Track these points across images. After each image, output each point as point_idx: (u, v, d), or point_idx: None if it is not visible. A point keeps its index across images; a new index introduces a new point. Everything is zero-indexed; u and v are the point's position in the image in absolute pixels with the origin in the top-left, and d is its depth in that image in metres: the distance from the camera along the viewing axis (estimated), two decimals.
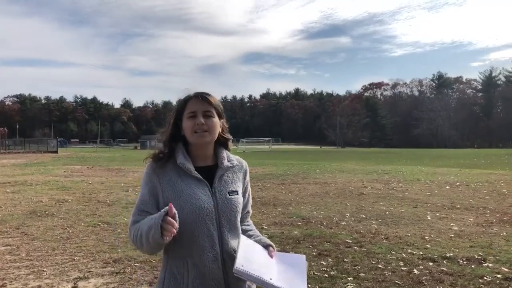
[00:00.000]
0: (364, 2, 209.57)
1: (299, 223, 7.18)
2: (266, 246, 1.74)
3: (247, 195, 1.87)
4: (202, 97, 1.70)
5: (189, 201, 1.62)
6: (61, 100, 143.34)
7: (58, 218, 7.78)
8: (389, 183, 13.25)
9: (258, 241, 1.77)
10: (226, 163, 1.76)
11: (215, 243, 1.63)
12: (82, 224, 7.25)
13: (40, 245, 5.82)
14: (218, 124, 1.74)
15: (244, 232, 1.81)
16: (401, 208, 8.66)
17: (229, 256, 1.63)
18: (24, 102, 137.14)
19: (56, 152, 44.81)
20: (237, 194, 1.74)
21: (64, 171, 18.79)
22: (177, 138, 1.74)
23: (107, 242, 5.98)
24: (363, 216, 7.86)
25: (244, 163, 1.87)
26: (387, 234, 6.37)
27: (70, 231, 6.70)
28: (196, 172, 1.68)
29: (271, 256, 1.69)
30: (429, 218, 7.58)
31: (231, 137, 1.85)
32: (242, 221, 1.86)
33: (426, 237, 6.12)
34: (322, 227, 6.90)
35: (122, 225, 7.08)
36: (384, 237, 6.16)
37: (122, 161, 28.86)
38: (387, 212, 8.20)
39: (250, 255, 1.60)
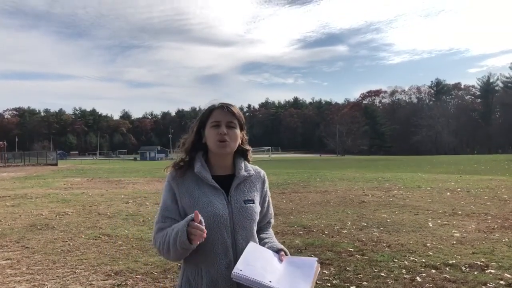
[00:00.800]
0: (360, 10, 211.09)
1: (301, 232, 7.15)
2: (277, 251, 1.75)
3: (266, 204, 1.91)
4: (227, 108, 1.76)
5: (205, 209, 1.67)
6: (60, 112, 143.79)
7: (59, 231, 7.75)
8: (389, 191, 13.23)
9: (270, 247, 1.78)
10: (243, 172, 1.80)
11: (229, 250, 1.67)
12: (83, 236, 7.22)
13: (40, 259, 5.79)
14: (239, 135, 1.80)
15: (260, 240, 1.84)
16: (402, 216, 8.64)
17: None
18: (23, 115, 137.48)
19: (55, 164, 44.75)
20: (253, 203, 1.77)
21: (64, 184, 18.76)
22: (198, 146, 1.80)
23: (108, 255, 5.95)
24: (365, 224, 7.84)
25: (262, 172, 1.92)
26: (389, 242, 6.34)
27: (71, 244, 6.67)
28: (212, 181, 1.73)
29: (281, 260, 1.68)
30: (431, 225, 7.56)
31: (250, 147, 1.90)
32: (262, 231, 1.91)
33: (428, 244, 6.10)
34: (324, 236, 6.88)
35: (122, 237, 7.06)
36: (386, 245, 6.14)
37: (122, 172, 28.81)
38: (388, 220, 8.18)
39: (253, 260, 1.60)
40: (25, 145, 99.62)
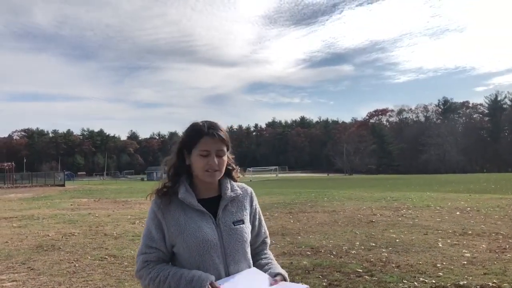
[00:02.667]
0: (365, 30, 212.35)
1: (308, 253, 7.06)
2: (275, 275, 1.68)
3: (256, 223, 1.83)
4: (216, 135, 1.67)
5: (193, 235, 1.62)
6: (68, 133, 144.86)
7: (65, 252, 7.72)
8: (398, 210, 13.09)
9: (269, 273, 1.71)
10: (229, 193, 1.74)
11: (221, 275, 1.62)
12: (89, 257, 7.18)
13: (46, 280, 5.75)
14: (226, 160, 1.73)
15: (260, 267, 1.76)
16: (412, 236, 8.51)
17: None
18: (32, 136, 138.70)
19: (63, 185, 44.94)
20: (243, 223, 1.72)
21: (71, 204, 18.77)
22: (181, 169, 1.73)
23: (114, 276, 5.90)
24: (373, 244, 7.73)
25: (249, 189, 1.85)
26: (398, 262, 6.24)
27: (77, 265, 6.63)
28: (198, 205, 1.67)
29: (271, 285, 1.61)
30: (441, 245, 7.44)
31: (236, 167, 1.83)
32: (259, 255, 1.84)
33: (438, 265, 5.99)
34: (332, 256, 6.78)
35: (129, 258, 7.00)
36: (395, 266, 6.04)
37: (129, 193, 28.83)
38: (397, 240, 8.06)
39: (239, 279, 1.58)
40: (34, 166, 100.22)
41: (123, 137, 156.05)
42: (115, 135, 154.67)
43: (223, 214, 1.70)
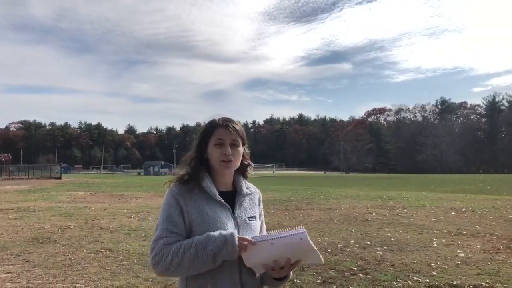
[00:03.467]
0: (364, 29, 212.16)
1: None
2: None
3: (261, 221, 1.92)
4: (230, 126, 1.74)
5: (214, 225, 1.66)
6: (66, 126, 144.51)
7: (60, 244, 7.72)
8: (394, 209, 13.13)
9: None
10: (245, 190, 1.83)
11: (235, 266, 1.65)
12: (84, 251, 7.19)
13: (41, 273, 5.76)
14: (242, 152, 1.79)
15: None
16: (407, 235, 8.55)
17: (248, 280, 1.67)
18: (29, 128, 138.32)
19: (59, 178, 44.86)
20: (255, 220, 1.80)
21: (67, 197, 18.76)
22: (201, 162, 1.78)
23: (109, 269, 5.91)
24: (368, 242, 7.76)
25: (258, 190, 1.95)
26: (393, 261, 6.27)
27: (72, 258, 6.64)
28: (219, 197, 1.73)
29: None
30: (435, 245, 7.47)
31: (251, 163, 1.90)
32: None
33: (432, 264, 6.02)
34: (327, 254, 6.81)
35: (124, 252, 7.01)
36: (389, 264, 6.07)
37: (125, 187, 28.81)
38: (392, 239, 8.09)
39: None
40: (30, 158, 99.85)
41: (121, 131, 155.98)
42: (113, 129, 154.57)
43: (239, 208, 1.77)
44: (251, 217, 1.78)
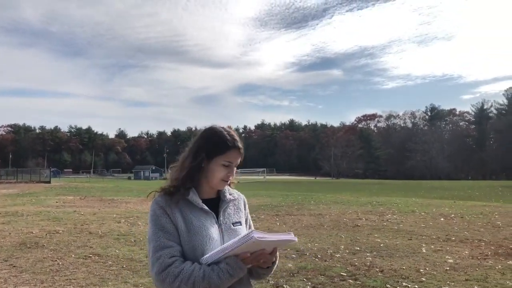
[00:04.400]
0: (355, 35, 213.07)
1: (293, 256, 7.09)
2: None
3: (247, 226, 1.92)
4: (241, 150, 1.77)
5: (199, 233, 1.67)
6: (56, 130, 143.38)
7: (48, 249, 7.65)
8: (383, 215, 13.19)
9: None
10: (228, 196, 1.84)
11: None
12: (73, 256, 7.12)
13: (28, 278, 5.70)
14: None
15: None
16: (396, 240, 8.60)
17: (236, 283, 1.65)
18: (18, 131, 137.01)
19: (49, 182, 44.43)
20: (241, 225, 1.82)
21: (56, 202, 18.58)
22: (196, 171, 1.74)
23: (98, 275, 5.87)
24: (358, 248, 7.79)
25: (242, 196, 1.96)
26: (382, 266, 6.29)
27: (60, 263, 6.58)
28: (203, 205, 1.74)
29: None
30: (424, 251, 7.52)
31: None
32: None
33: (421, 270, 6.06)
34: (317, 259, 6.82)
35: (113, 257, 6.96)
36: (379, 270, 6.09)
37: (115, 191, 28.62)
38: (381, 244, 8.13)
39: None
40: (20, 162, 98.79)
41: (111, 135, 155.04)
42: (103, 133, 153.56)
43: (223, 215, 1.79)
44: (236, 222, 1.80)
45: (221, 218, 1.77)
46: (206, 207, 1.73)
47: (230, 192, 1.86)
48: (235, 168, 1.80)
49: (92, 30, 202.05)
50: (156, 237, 1.64)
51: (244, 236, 1.54)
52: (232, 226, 1.77)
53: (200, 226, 1.68)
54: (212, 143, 1.73)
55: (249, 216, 1.96)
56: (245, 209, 1.92)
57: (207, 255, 1.60)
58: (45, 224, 11.07)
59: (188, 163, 1.74)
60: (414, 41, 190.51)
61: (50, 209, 14.98)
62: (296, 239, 1.68)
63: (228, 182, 1.79)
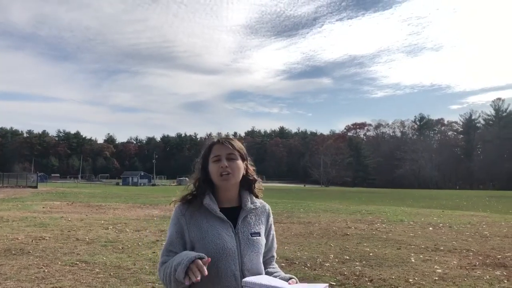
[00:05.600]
0: (344, 45, 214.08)
1: (283, 264, 7.06)
2: (287, 279, 1.76)
3: (270, 238, 1.93)
4: (225, 142, 1.81)
5: (213, 241, 1.70)
6: (44, 134, 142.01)
7: (34, 256, 7.53)
8: (372, 224, 13.22)
9: (281, 278, 1.80)
10: (249, 205, 1.84)
11: (237, 283, 1.68)
12: (59, 263, 7.01)
13: (13, 286, 5.59)
14: (242, 166, 1.84)
15: (269, 274, 1.85)
16: (385, 250, 8.60)
17: None
18: (5, 135, 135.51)
19: (35, 187, 43.93)
20: (259, 236, 1.82)
21: (43, 207, 18.35)
22: (207, 183, 1.82)
23: (84, 283, 5.78)
24: (347, 257, 7.78)
25: (267, 206, 1.96)
26: (371, 276, 6.29)
27: (46, 270, 6.47)
28: (220, 213, 1.77)
29: (290, 284, 1.66)
30: (413, 260, 7.53)
31: (257, 178, 1.94)
32: (267, 265, 1.92)
33: (410, 280, 6.06)
34: (306, 268, 6.80)
35: (100, 265, 6.87)
36: (368, 280, 6.08)
37: (103, 197, 28.36)
38: (371, 254, 8.13)
39: (261, 277, 1.66)
40: (6, 166, 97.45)
41: (100, 140, 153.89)
42: (92, 138, 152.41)
43: (242, 224, 1.79)
44: (255, 233, 1.80)
45: (239, 227, 1.77)
46: (222, 215, 1.76)
47: (253, 201, 1.87)
48: (238, 162, 1.81)
49: (81, 35, 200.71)
50: (165, 244, 1.79)
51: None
52: (250, 236, 1.78)
53: (215, 235, 1.71)
54: (203, 151, 1.85)
55: (273, 227, 1.96)
56: (268, 221, 1.92)
57: (248, 278, 1.62)
58: (31, 230, 10.91)
59: (196, 177, 1.85)
60: (403, 51, 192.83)
61: (37, 215, 14.78)
62: None
63: (230, 176, 1.77)
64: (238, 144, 1.85)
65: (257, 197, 1.92)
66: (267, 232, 1.90)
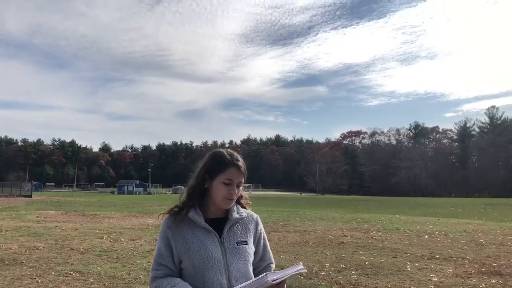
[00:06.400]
0: (339, 53, 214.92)
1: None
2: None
3: (261, 247, 1.93)
4: (243, 169, 1.81)
5: (198, 252, 1.72)
6: (38, 142, 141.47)
7: (27, 266, 7.45)
8: (368, 232, 13.20)
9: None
10: (235, 215, 1.85)
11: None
12: (53, 273, 6.95)
13: None
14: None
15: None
16: (381, 258, 8.59)
17: None
18: (0, 144, 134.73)
19: (30, 196, 43.65)
20: (246, 244, 1.82)
21: (37, 216, 18.22)
22: (200, 191, 1.82)
23: None
24: (343, 266, 7.76)
25: (255, 215, 1.97)
26: (367, 285, 6.27)
27: (39, 281, 6.40)
28: (205, 224, 1.78)
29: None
30: (409, 269, 7.52)
31: (244, 193, 1.95)
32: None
33: None
34: (302, 277, 6.76)
35: (94, 275, 6.82)
36: None
37: (98, 206, 28.21)
38: (367, 262, 8.11)
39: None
40: (0, 175, 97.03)
41: (95, 148, 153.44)
42: (87, 147, 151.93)
43: (228, 233, 1.80)
44: (241, 241, 1.80)
45: (225, 237, 1.78)
46: (207, 226, 1.77)
47: (239, 212, 1.87)
48: (241, 188, 1.83)
49: (76, 43, 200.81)
50: (154, 258, 1.82)
51: (258, 279, 1.60)
52: (236, 245, 1.78)
53: (199, 245, 1.73)
54: (212, 162, 1.82)
55: (263, 236, 1.95)
56: (256, 229, 1.91)
57: None
58: (25, 240, 10.82)
59: (191, 184, 1.84)
60: (397, 59, 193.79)
61: (31, 224, 14.67)
62: (305, 269, 1.74)
63: (233, 201, 1.80)
64: (245, 171, 1.84)
65: (244, 208, 1.93)
66: (256, 241, 1.90)
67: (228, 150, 1.87)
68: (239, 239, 1.80)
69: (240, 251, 1.77)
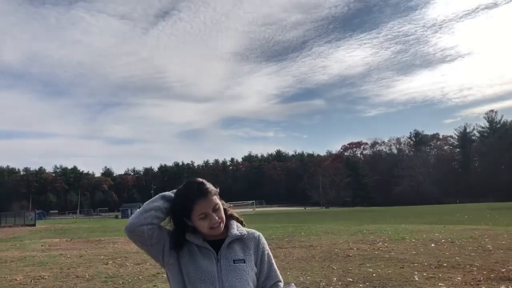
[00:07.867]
0: (334, 66, 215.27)
1: None
2: None
3: (265, 265, 1.87)
4: (207, 194, 1.73)
5: (192, 265, 1.72)
6: (40, 171, 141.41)
7: None
8: (374, 243, 13.12)
9: None
10: (235, 231, 1.82)
11: None
12: None
13: None
14: (222, 206, 1.80)
15: None
16: (388, 269, 8.52)
17: None
18: (2, 174, 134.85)
19: (33, 225, 43.53)
20: (244, 263, 1.77)
21: (42, 245, 18.14)
22: (183, 231, 1.80)
23: None
24: (350, 279, 7.70)
25: (257, 233, 1.92)
26: None
27: None
28: (204, 243, 1.77)
29: None
30: (417, 279, 7.46)
31: (227, 205, 1.88)
32: None
33: None
34: None
35: None
36: None
37: (102, 231, 28.09)
38: (374, 274, 8.05)
39: None
40: (3, 205, 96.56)
41: (97, 174, 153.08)
42: (89, 172, 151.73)
43: (225, 251, 1.77)
44: (238, 260, 1.76)
45: (222, 254, 1.76)
46: (206, 245, 1.76)
47: (239, 229, 1.84)
48: (221, 207, 1.77)
49: (73, 70, 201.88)
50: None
51: None
52: (232, 263, 1.74)
53: (195, 264, 1.72)
54: (182, 206, 1.75)
55: (267, 254, 1.89)
56: (258, 248, 1.86)
57: None
58: (30, 270, 10.77)
59: (174, 230, 1.80)
60: (393, 69, 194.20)
61: (35, 254, 14.60)
62: None
63: (220, 225, 1.75)
64: (213, 189, 1.77)
65: (243, 225, 1.90)
66: (259, 259, 1.85)
67: (188, 181, 1.80)
68: (236, 257, 1.76)
69: (236, 269, 1.73)
